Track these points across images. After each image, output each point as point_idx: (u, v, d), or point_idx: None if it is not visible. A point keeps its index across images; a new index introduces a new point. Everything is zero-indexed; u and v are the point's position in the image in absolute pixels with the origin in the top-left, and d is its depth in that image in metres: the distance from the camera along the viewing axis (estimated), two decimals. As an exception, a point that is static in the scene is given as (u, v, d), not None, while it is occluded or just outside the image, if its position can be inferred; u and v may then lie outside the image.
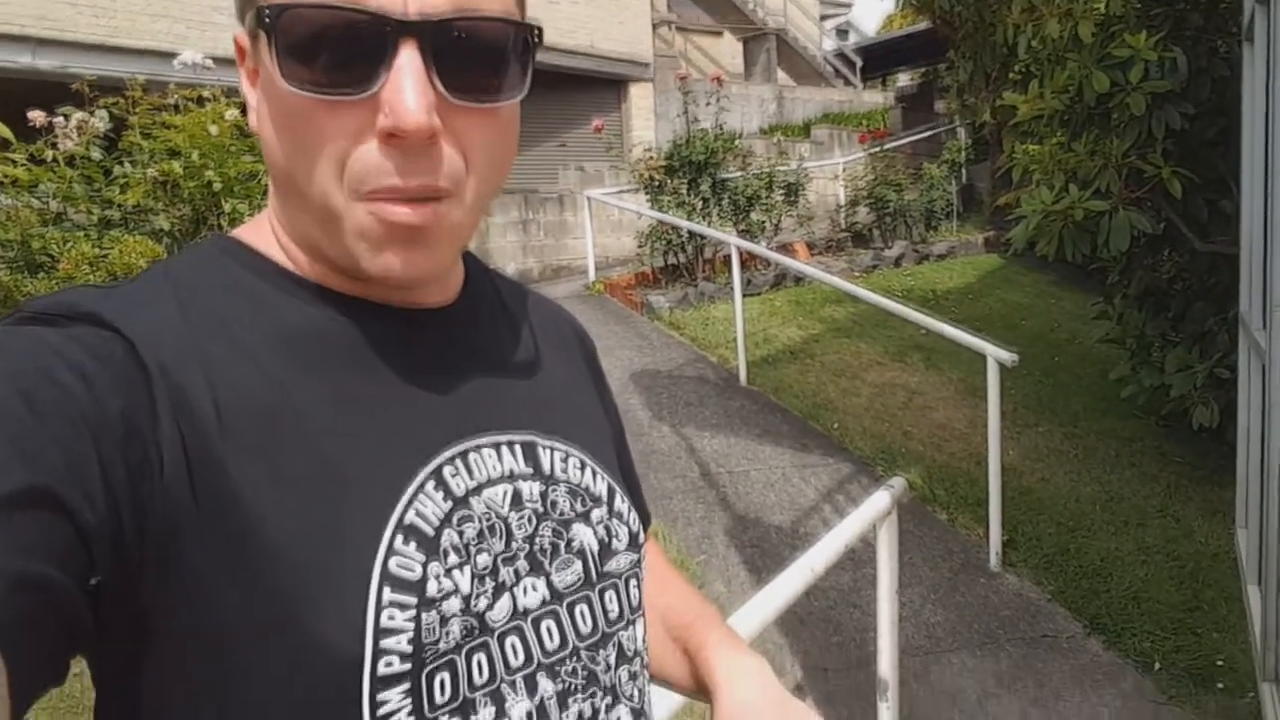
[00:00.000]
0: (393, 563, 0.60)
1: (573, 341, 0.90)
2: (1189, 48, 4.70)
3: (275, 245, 0.69)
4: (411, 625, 0.59)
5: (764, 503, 4.96)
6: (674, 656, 0.89)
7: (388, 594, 0.59)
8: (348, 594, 0.58)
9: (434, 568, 0.61)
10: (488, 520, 0.66)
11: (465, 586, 0.63)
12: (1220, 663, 3.81)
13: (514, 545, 0.67)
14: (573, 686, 0.69)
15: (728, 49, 18.28)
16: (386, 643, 0.58)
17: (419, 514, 0.62)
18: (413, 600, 0.59)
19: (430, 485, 0.64)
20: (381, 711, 0.58)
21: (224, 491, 0.56)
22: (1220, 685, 3.67)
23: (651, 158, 9.01)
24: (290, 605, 0.56)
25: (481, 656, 0.63)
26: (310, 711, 0.57)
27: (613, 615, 0.74)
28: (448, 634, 0.61)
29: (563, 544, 0.71)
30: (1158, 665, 3.82)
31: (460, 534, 0.64)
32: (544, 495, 0.71)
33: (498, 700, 0.64)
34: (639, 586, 0.78)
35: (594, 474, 0.76)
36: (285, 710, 0.57)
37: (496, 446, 0.70)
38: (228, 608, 0.56)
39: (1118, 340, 6.10)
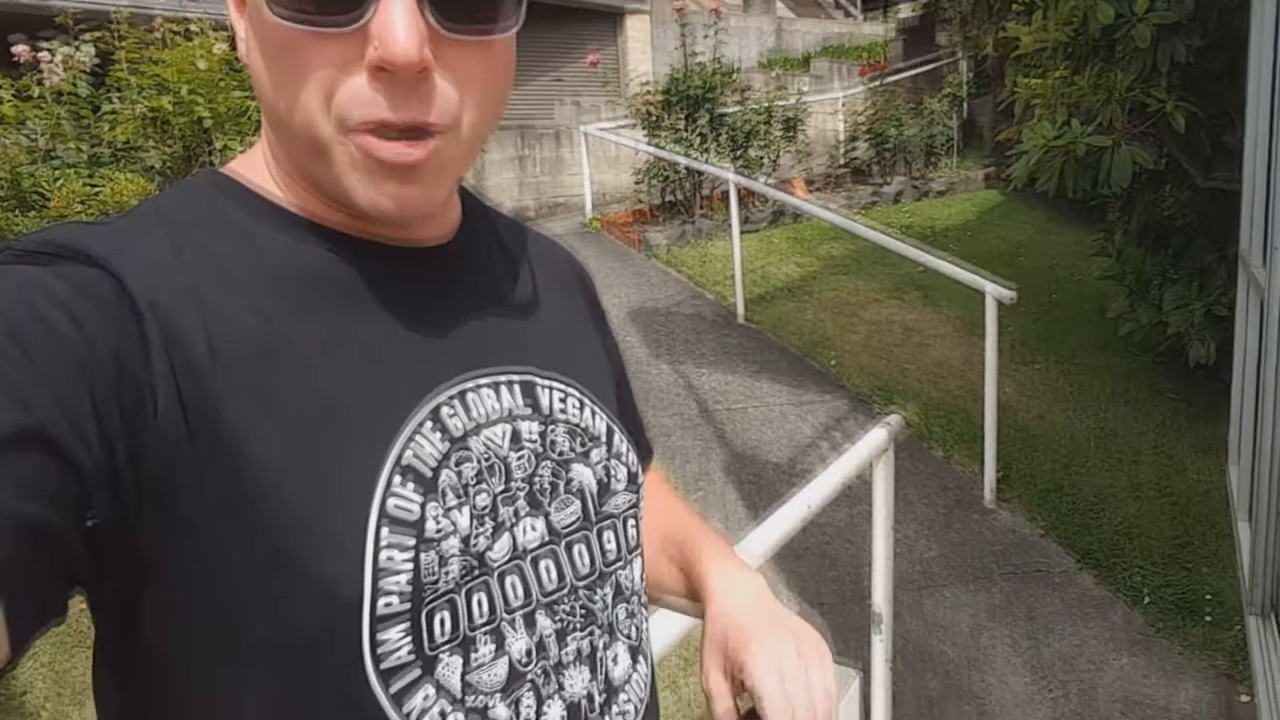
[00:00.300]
0: (391, 503, 0.59)
1: (572, 279, 0.89)
2: (1197, -23, 4.61)
3: (269, 179, 0.68)
4: (410, 565, 0.59)
5: (761, 439, 4.99)
6: (671, 573, 0.89)
7: (386, 534, 0.58)
8: (346, 535, 0.58)
9: (432, 508, 0.61)
10: (486, 460, 0.66)
11: (464, 526, 0.63)
12: (1208, 596, 3.87)
13: (513, 485, 0.67)
14: (571, 624, 0.69)
15: (726, -21, 17.91)
16: (385, 583, 0.58)
17: (416, 454, 0.62)
18: (411, 540, 0.59)
19: (428, 425, 0.63)
20: (381, 649, 0.58)
21: (220, 431, 0.56)
22: (1208, 618, 3.74)
23: (649, 92, 8.88)
24: (289, 546, 0.56)
25: (482, 595, 0.64)
26: (310, 651, 0.58)
27: (610, 554, 0.74)
28: (447, 573, 0.61)
29: (562, 483, 0.71)
30: (1147, 599, 3.88)
31: (459, 474, 0.64)
32: (543, 435, 0.71)
33: (498, 637, 0.64)
34: (637, 526, 0.78)
35: (593, 413, 0.76)
36: (285, 649, 0.57)
37: (495, 385, 0.69)
38: (226, 548, 0.56)
39: (1116, 277, 6.08)
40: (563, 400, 0.74)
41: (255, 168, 0.68)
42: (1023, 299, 4.63)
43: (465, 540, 0.63)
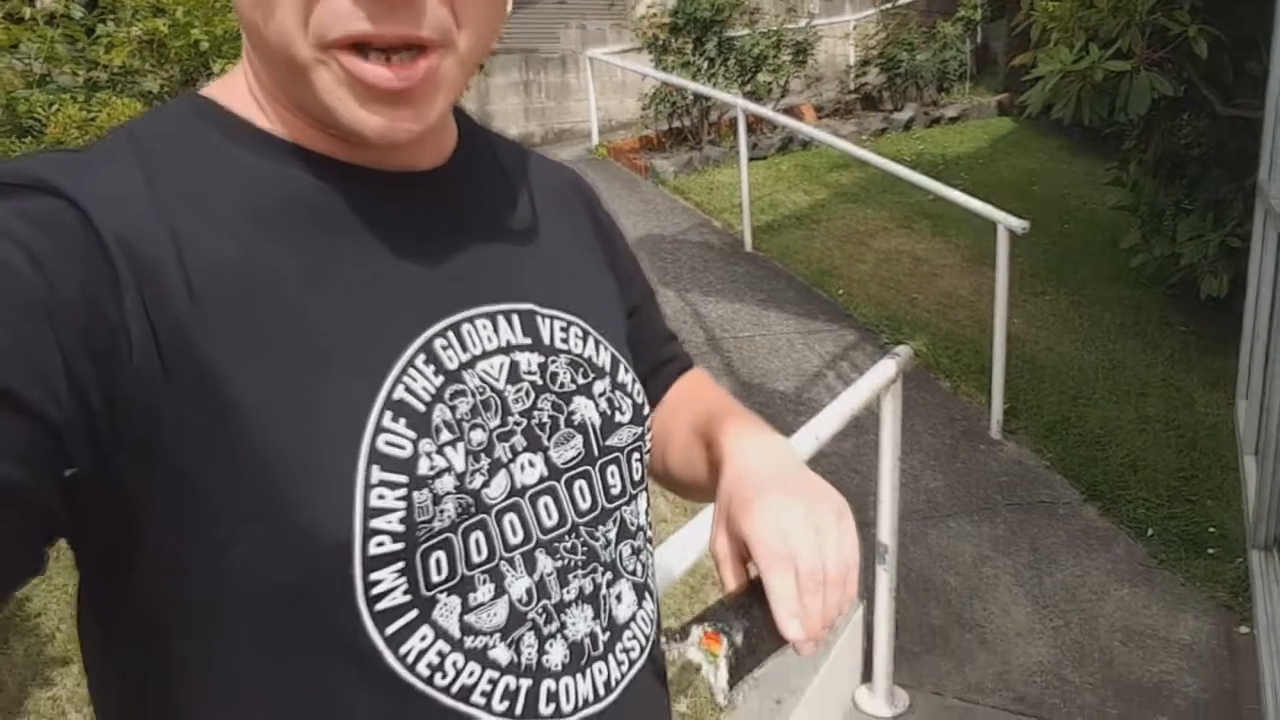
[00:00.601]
0: (381, 440, 0.57)
1: (577, 201, 0.85)
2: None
3: (251, 102, 0.64)
4: (403, 504, 0.57)
5: (768, 369, 4.97)
6: (700, 455, 0.82)
7: (377, 473, 0.57)
8: (334, 475, 0.56)
9: (425, 445, 0.59)
10: (482, 395, 0.64)
11: (459, 464, 0.61)
12: (1212, 530, 3.88)
13: (510, 420, 0.65)
14: (572, 563, 0.67)
15: (736, -103, 17.36)
16: (377, 523, 0.56)
17: (409, 390, 0.60)
18: (404, 479, 0.58)
19: (420, 359, 0.61)
20: (375, 591, 0.57)
21: (198, 368, 0.54)
22: (1210, 551, 3.75)
23: (655, 15, 8.67)
24: (274, 487, 0.55)
25: (479, 535, 0.62)
26: (301, 595, 0.56)
27: (614, 491, 0.72)
28: (442, 512, 0.59)
29: (562, 418, 0.68)
30: (1151, 532, 3.90)
31: (453, 410, 0.61)
32: (543, 367, 0.68)
33: (497, 578, 0.63)
34: (641, 460, 0.76)
35: (596, 344, 0.73)
36: (276, 593, 0.56)
37: (492, 317, 0.67)
38: (209, 490, 0.54)
39: (1130, 207, 6.00)
40: (564, 331, 0.71)
41: (237, 90, 0.64)
42: (1034, 229, 4.57)
43: (460, 478, 0.61)
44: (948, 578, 3.57)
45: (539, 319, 0.70)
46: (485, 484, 0.62)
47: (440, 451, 0.60)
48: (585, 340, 0.72)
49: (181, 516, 0.54)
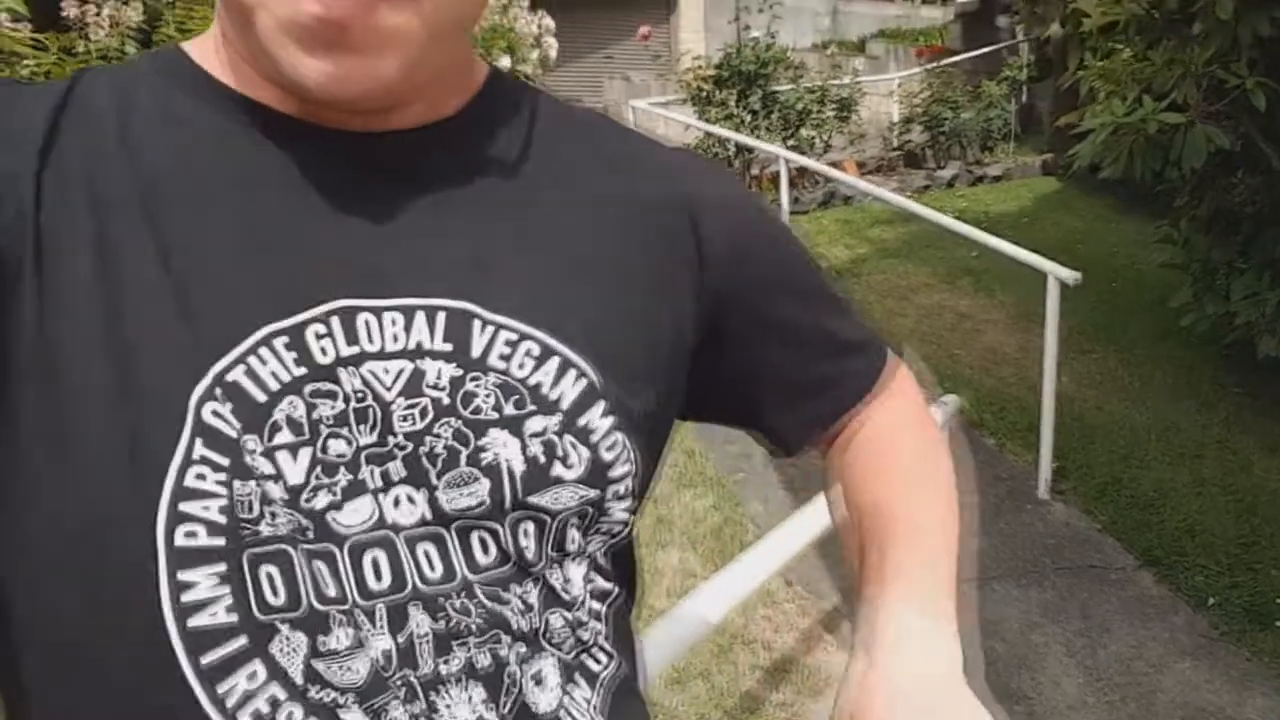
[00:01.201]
0: (206, 410, 0.49)
1: (664, 208, 0.65)
2: (1285, -55, 4.34)
3: (211, 53, 0.59)
4: (224, 491, 0.48)
5: (805, 423, 4.84)
6: (856, 567, 0.70)
7: (199, 447, 0.48)
8: (153, 436, 0.48)
9: (249, 442, 0.50)
10: (359, 400, 0.52)
11: (293, 474, 0.50)
12: (1279, 601, 3.66)
13: (391, 440, 0.52)
14: (463, 627, 0.52)
15: (781, -41, 17.60)
16: (188, 506, 0.48)
17: (250, 373, 0.50)
18: (225, 461, 0.48)
19: (279, 342, 0.51)
20: (187, 598, 0.47)
21: (52, 283, 0.50)
22: (1278, 623, 3.53)
23: (700, 67, 8.73)
24: (77, 428, 0.49)
25: (321, 565, 0.50)
26: (95, 570, 0.48)
27: (528, 555, 0.55)
28: (273, 518, 0.49)
29: (465, 454, 0.53)
30: (1212, 601, 3.68)
31: (311, 408, 0.51)
32: (455, 384, 0.54)
33: (355, 625, 0.50)
34: (584, 530, 0.58)
35: (561, 370, 0.56)
36: (74, 565, 0.49)
37: (408, 312, 0.54)
38: (23, 411, 0.50)
39: (1181, 266, 5.84)
40: (510, 346, 0.55)
41: (204, 44, 0.60)
42: (1080, 287, 4.41)
43: (293, 491, 0.50)
44: (993, 644, 3.39)
45: (475, 323, 0.55)
46: (334, 507, 0.51)
47: (269, 454, 0.50)
48: (541, 362, 0.55)
49: (15, 445, 0.49)
